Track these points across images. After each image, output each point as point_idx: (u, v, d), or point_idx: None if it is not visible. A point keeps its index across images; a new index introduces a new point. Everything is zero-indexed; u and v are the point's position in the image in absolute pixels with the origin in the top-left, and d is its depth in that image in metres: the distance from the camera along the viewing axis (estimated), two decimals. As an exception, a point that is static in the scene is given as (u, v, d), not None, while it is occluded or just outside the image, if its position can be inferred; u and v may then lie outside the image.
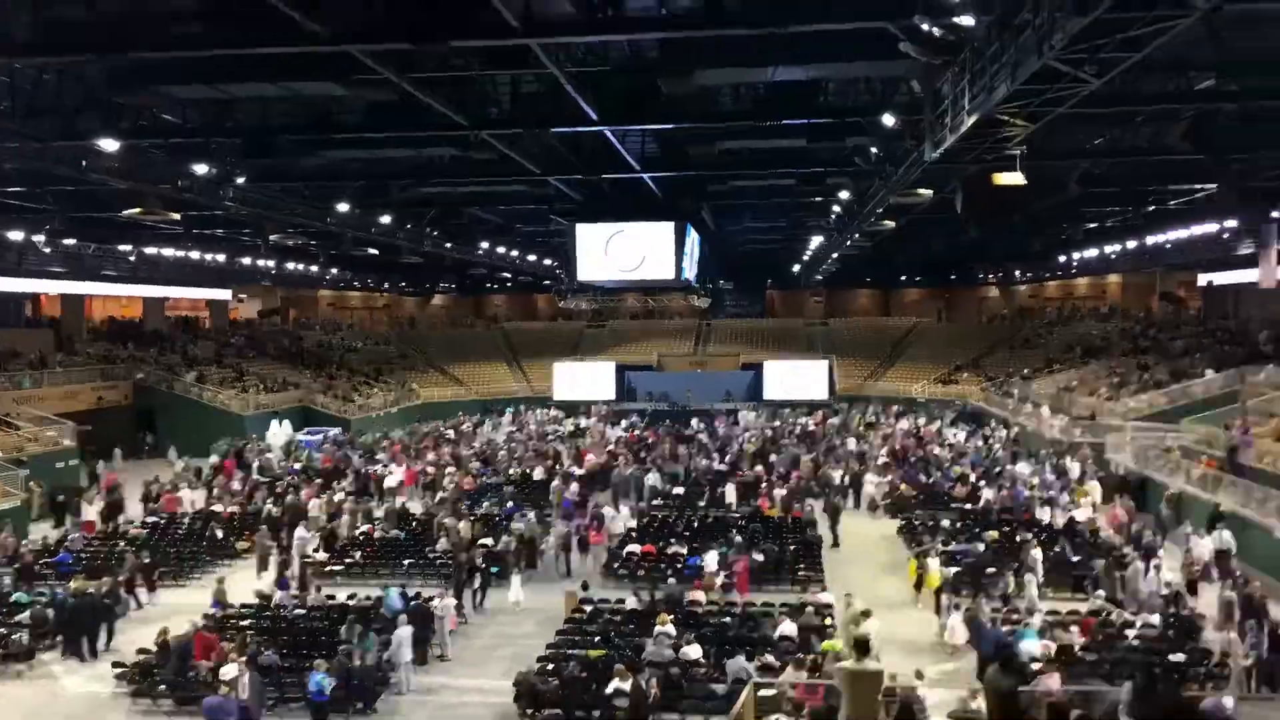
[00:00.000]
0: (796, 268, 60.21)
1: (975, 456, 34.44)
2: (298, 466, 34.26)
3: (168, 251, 44.77)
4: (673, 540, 23.77)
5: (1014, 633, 16.20)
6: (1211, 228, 37.76)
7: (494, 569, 21.76)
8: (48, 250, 39.92)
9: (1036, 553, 20.96)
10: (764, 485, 30.03)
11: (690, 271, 40.64)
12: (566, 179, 31.28)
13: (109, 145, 21.17)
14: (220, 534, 25.26)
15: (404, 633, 16.61)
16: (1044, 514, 25.59)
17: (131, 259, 45.28)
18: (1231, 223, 36.50)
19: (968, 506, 27.23)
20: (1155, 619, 17.57)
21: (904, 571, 22.53)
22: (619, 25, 16.69)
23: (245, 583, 21.75)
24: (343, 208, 32.03)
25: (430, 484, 32.14)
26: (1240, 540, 21.60)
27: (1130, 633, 17.24)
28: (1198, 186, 30.16)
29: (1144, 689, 9.93)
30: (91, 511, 27.13)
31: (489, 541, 23.73)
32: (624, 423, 46.27)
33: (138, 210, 27.14)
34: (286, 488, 29.76)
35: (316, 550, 23.45)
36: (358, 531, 25.68)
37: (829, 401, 51.20)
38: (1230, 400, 33.01)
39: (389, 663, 16.37)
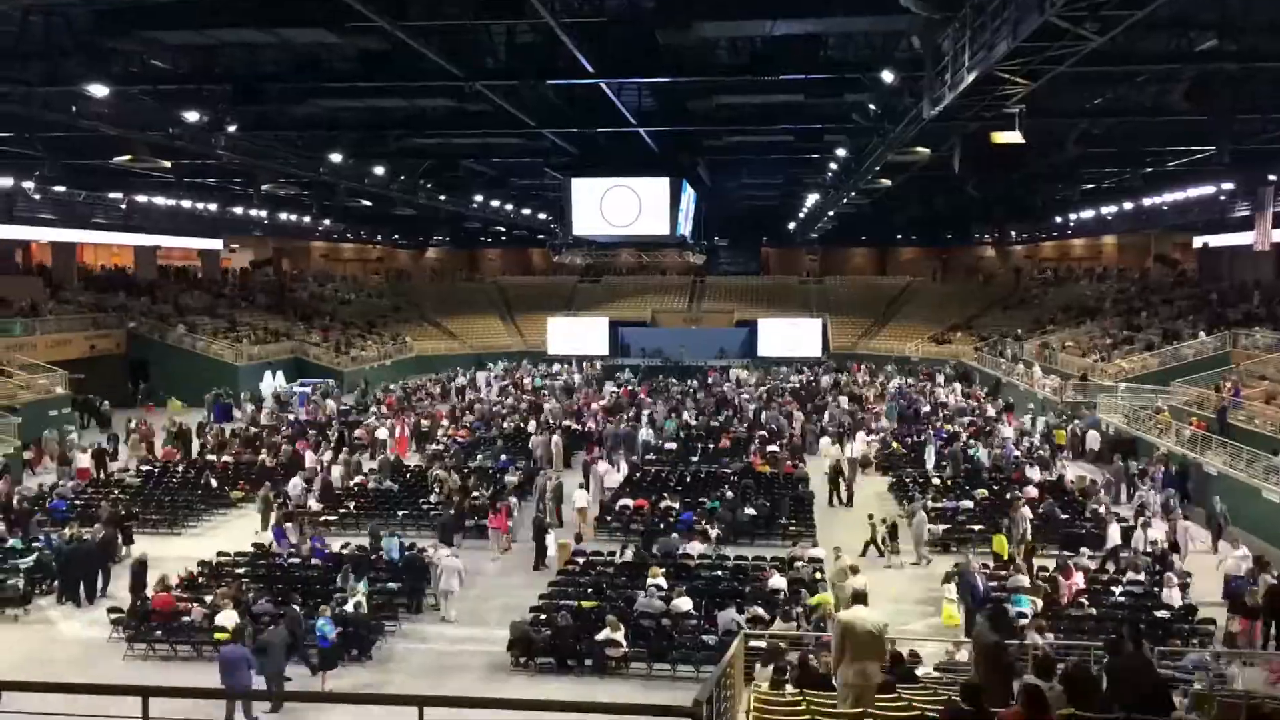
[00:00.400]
0: (792, 225, 59.95)
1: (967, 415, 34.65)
2: (296, 417, 34.44)
3: (159, 200, 44.37)
4: (665, 495, 23.92)
5: (1005, 594, 16.40)
6: (1208, 190, 37.66)
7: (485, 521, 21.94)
8: (37, 197, 39.54)
9: (1025, 510, 21.18)
10: (756, 441, 30.24)
11: (686, 227, 40.48)
12: (562, 132, 30.99)
13: (98, 91, 20.86)
14: (215, 483, 25.36)
15: (451, 563, 17.65)
16: (1033, 473, 25.81)
17: (123, 207, 44.88)
18: (1228, 185, 36.41)
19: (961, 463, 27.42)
20: (1141, 576, 17.83)
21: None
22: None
23: (239, 532, 21.92)
24: (336, 158, 31.69)
25: (424, 435, 32.30)
26: (1229, 501, 21.85)
27: (1116, 590, 17.49)
28: (1196, 148, 30.00)
29: (1112, 645, 10.07)
30: (85, 459, 27.20)
31: (483, 494, 23.93)
32: (618, 377, 46.43)
33: (128, 158, 26.83)
34: (282, 439, 29.88)
35: (309, 500, 23.61)
36: (352, 483, 25.81)
37: (822, 359, 51.36)
38: (1222, 362, 33.23)
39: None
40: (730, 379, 44.55)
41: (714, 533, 21.00)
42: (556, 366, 50.41)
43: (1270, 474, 21.44)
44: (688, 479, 26.15)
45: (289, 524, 21.14)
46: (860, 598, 9.33)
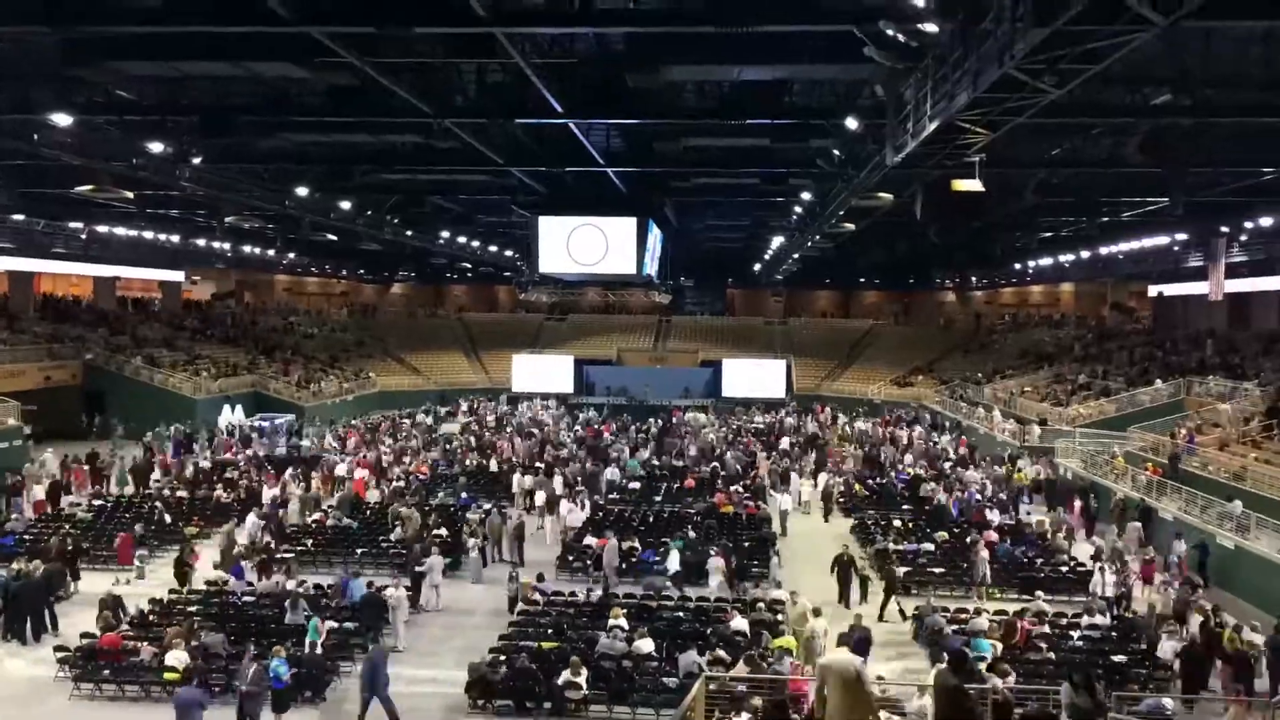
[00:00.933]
0: (757, 267, 60.49)
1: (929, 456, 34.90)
2: (255, 452, 33.97)
3: (120, 230, 43.88)
4: (629, 534, 23.78)
5: (968, 642, 16.41)
6: (1163, 240, 38.55)
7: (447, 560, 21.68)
8: (-5, 225, 39.01)
9: (985, 553, 21.31)
10: (720, 482, 30.24)
11: (652, 267, 40.68)
12: (530, 170, 31.14)
13: (62, 120, 20.73)
14: (168, 518, 24.86)
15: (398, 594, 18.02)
16: (994, 516, 26.00)
17: (83, 237, 44.32)
18: (1182, 236, 37.31)
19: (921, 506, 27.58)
20: (1100, 620, 17.97)
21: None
22: (586, 18, 16.59)
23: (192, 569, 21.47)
24: (302, 191, 31.58)
25: (382, 472, 31.96)
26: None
27: (1075, 634, 17.62)
28: (1150, 199, 30.73)
29: (1081, 686, 10.14)
30: (40, 492, 26.61)
31: (443, 532, 23.66)
32: (582, 416, 46.31)
33: (90, 187, 26.59)
34: (240, 474, 29.44)
35: (266, 538, 23.20)
36: (310, 519, 25.44)
37: (785, 400, 51.61)
38: (1177, 409, 33.80)
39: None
40: (687, 422, 44.23)
41: (674, 569, 20.93)
42: (524, 405, 50.02)
43: (1224, 519, 21.77)
44: (650, 519, 26.06)
45: (245, 562, 20.76)
46: (844, 640, 9.35)
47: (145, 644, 15.76)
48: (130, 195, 28.89)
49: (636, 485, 30.47)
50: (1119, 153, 25.63)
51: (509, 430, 40.84)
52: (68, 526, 23.68)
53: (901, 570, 21.66)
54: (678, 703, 12.94)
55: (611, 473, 31.11)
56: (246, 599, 18.91)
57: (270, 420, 40.54)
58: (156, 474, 31.14)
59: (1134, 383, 38.17)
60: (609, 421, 43.83)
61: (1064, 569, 22.07)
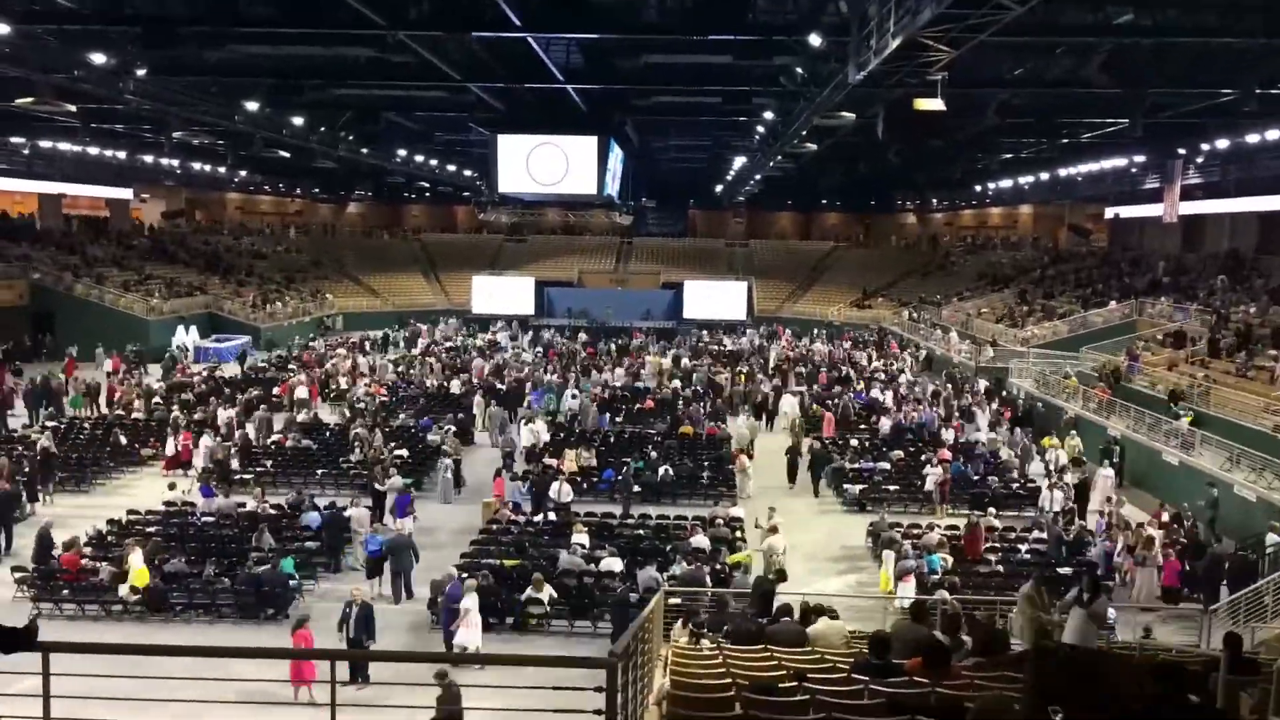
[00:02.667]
0: (719, 188, 60.12)
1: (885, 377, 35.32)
2: (211, 373, 33.55)
3: (65, 146, 42.46)
4: (585, 453, 23.95)
5: (921, 557, 16.81)
6: (1121, 162, 38.82)
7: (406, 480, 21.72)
8: (-68, 140, 37.60)
9: (938, 471, 21.79)
10: (680, 404, 30.45)
11: (613, 187, 40.27)
12: (488, 87, 30.48)
13: (-2, 29, 19.87)
14: (124, 440, 24.64)
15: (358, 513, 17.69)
16: (947, 435, 26.49)
17: (25, 152, 42.90)
18: (1140, 158, 37.58)
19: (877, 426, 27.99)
20: (1044, 534, 18.53)
21: (810, 490, 23.37)
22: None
23: (148, 492, 21.38)
24: (252, 106, 30.66)
25: (340, 395, 31.80)
26: (1131, 464, 22.82)
27: (1023, 547, 18.19)
28: (1110, 121, 30.86)
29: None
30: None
31: (403, 453, 23.69)
32: (545, 336, 46.18)
33: (29, 100, 25.62)
34: (196, 396, 29.15)
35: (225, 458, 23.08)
36: (269, 441, 25.34)
37: (746, 322, 51.81)
38: (1130, 330, 34.43)
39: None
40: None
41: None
42: (496, 327, 49.34)
43: (1171, 437, 22.37)
44: (611, 439, 26.24)
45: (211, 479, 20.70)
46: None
47: (104, 564, 15.74)
48: (72, 108, 27.92)
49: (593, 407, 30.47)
50: (1080, 73, 25.59)
51: (471, 354, 40.56)
52: (20, 449, 23.36)
53: (858, 489, 22.15)
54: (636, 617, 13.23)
55: (570, 395, 31.15)
56: (205, 519, 18.89)
57: (226, 341, 40.08)
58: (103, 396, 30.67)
59: (1087, 304, 38.76)
60: (590, 346, 43.15)
61: (1014, 485, 22.64)
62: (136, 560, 15.39)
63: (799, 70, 24.22)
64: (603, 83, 29.70)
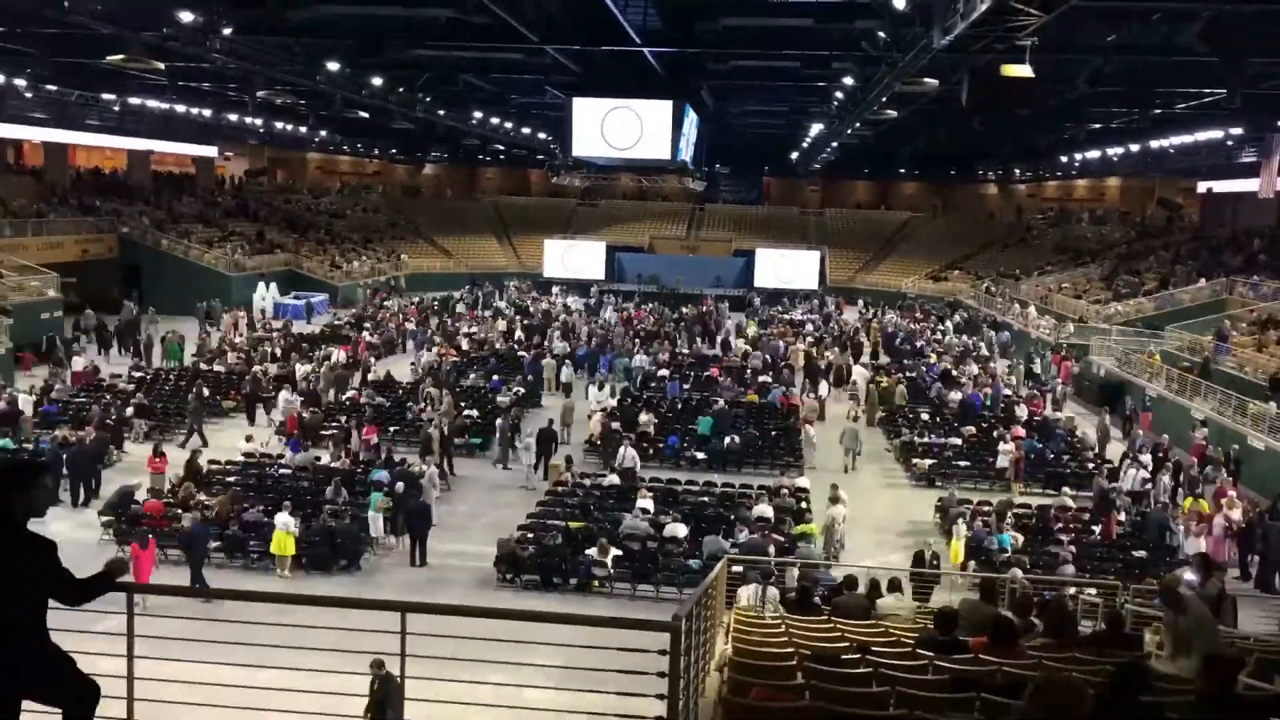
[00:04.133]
0: (794, 155, 59.23)
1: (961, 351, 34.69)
2: (288, 330, 34.35)
3: (153, 103, 43.60)
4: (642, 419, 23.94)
5: (990, 532, 16.58)
6: (1216, 134, 37.26)
7: (475, 440, 22.05)
8: (30, 95, 38.79)
9: (1010, 447, 21.37)
10: (749, 371, 30.30)
11: (686, 153, 39.96)
12: (565, 49, 30.37)
13: (91, -14, 20.39)
14: (207, 391, 25.38)
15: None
16: (1022, 412, 25.92)
17: (116, 109, 44.13)
18: (1236, 130, 36.01)
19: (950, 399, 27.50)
20: (1123, 517, 18.07)
21: (881, 461, 23.10)
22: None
23: (229, 441, 22.01)
24: (333, 66, 31.05)
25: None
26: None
27: (1096, 528, 17.76)
28: (1206, 91, 29.56)
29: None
30: (79, 363, 27.20)
31: (474, 413, 24.01)
32: (613, 303, 46.24)
33: (121, 57, 26.27)
34: (279, 351, 29.92)
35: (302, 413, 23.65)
36: (344, 397, 25.87)
37: (818, 292, 51.19)
38: (1220, 308, 33.22)
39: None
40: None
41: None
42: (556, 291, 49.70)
43: (1258, 421, 21.59)
44: (679, 405, 26.23)
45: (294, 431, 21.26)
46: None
47: (185, 511, 16.28)
48: (161, 66, 28.51)
49: (665, 373, 30.47)
50: (1177, 40, 24.50)
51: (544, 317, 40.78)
52: (109, 396, 24.23)
53: (928, 463, 21.84)
54: (699, 583, 13.28)
55: (640, 359, 31.19)
56: (283, 471, 19.42)
57: (306, 299, 40.94)
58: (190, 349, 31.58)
59: (1174, 281, 37.46)
60: (640, 309, 43.57)
61: (1090, 465, 22.10)
62: (285, 522, 15.58)
63: (881, 34, 23.63)
64: (679, 46, 29.38)
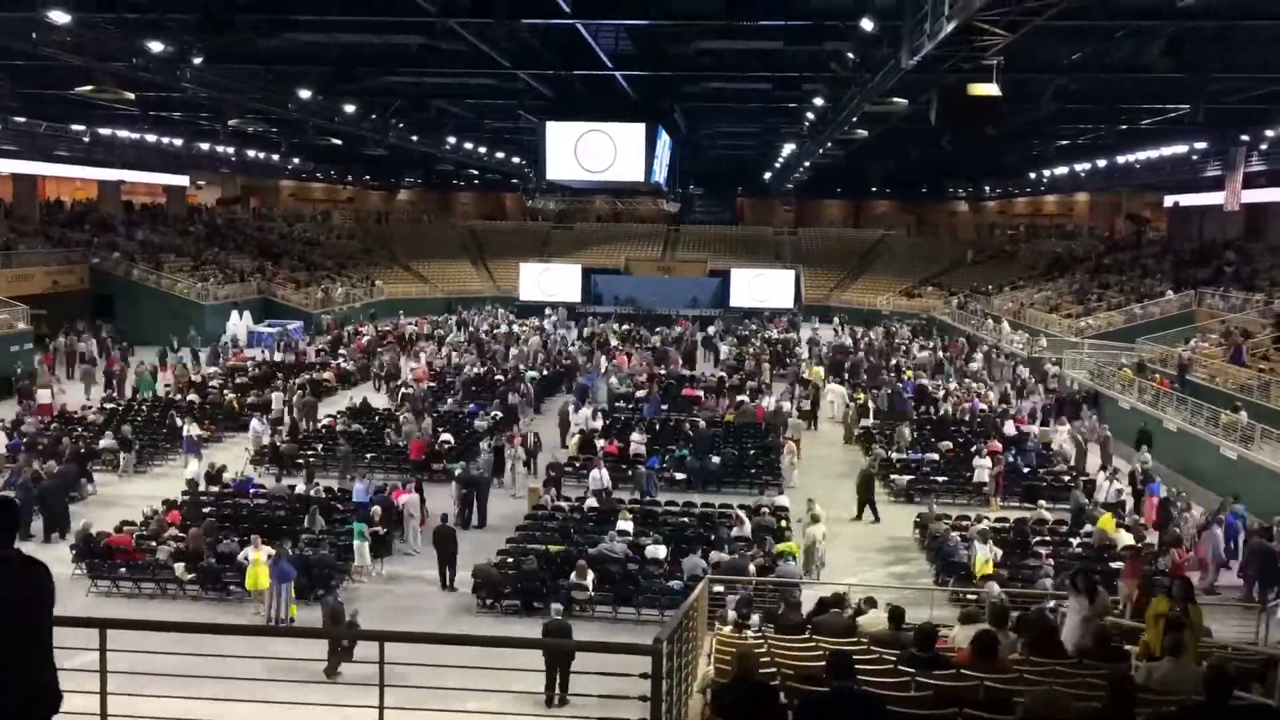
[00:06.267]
0: (768, 175, 59.65)
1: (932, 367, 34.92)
2: (266, 358, 34.09)
3: (123, 133, 43.34)
4: (634, 439, 23.95)
5: (968, 545, 16.64)
6: (1181, 149, 37.81)
7: (453, 465, 21.88)
8: (-3, 127, 38.45)
9: (987, 462, 21.48)
10: (726, 390, 30.34)
11: (660, 174, 40.09)
12: (537, 74, 30.47)
13: (59, 17, 20.22)
14: (179, 422, 25.10)
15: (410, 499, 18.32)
16: (1010, 428, 25.98)
17: (85, 140, 43.79)
18: (1201, 144, 36.58)
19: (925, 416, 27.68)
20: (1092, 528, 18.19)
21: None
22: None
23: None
24: (305, 94, 31.01)
25: (389, 376, 32.21)
26: (1187, 457, 22.27)
27: (1074, 541, 17.87)
28: (1170, 106, 30.07)
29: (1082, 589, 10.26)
30: (45, 396, 26.86)
31: (449, 438, 23.89)
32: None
33: (91, 88, 26.11)
34: (252, 380, 29.66)
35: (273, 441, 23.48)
36: (319, 425, 25.69)
37: (793, 311, 51.43)
38: (1188, 320, 33.63)
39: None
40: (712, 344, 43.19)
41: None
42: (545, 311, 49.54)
43: (1229, 431, 21.81)
44: (656, 426, 26.21)
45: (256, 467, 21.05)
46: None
47: (159, 544, 16.06)
48: (131, 96, 28.36)
49: (641, 394, 30.49)
50: (1140, 57, 24.90)
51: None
52: (79, 429, 23.93)
53: (905, 479, 21.91)
54: (680, 604, 13.24)
55: (614, 382, 31.19)
56: (259, 501, 19.22)
57: (279, 326, 40.65)
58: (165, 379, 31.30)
59: (1145, 294, 37.92)
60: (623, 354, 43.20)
61: (1066, 479, 22.24)
62: (256, 554, 15.27)
63: (850, 55, 23.86)
64: (652, 69, 29.54)
